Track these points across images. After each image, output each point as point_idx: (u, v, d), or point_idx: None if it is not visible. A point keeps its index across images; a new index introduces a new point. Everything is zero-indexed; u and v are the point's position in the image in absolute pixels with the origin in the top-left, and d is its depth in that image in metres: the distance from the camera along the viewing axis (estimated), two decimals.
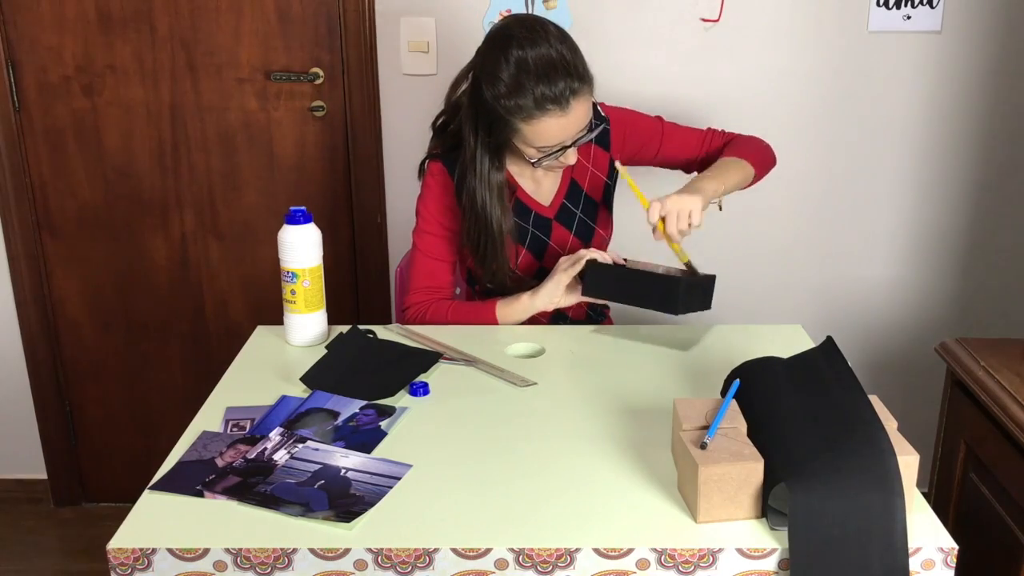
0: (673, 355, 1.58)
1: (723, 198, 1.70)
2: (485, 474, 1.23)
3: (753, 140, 1.87)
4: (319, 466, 1.24)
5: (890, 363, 2.56)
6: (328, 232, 2.42)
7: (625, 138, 1.85)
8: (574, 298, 1.69)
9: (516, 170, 1.80)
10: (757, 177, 1.81)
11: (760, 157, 1.82)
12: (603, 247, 1.87)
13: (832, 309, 2.53)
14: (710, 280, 1.64)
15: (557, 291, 1.68)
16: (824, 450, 1.11)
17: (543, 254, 1.82)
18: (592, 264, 1.63)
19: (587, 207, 1.84)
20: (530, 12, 2.27)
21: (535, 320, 1.89)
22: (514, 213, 1.78)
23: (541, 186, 1.83)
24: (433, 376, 1.50)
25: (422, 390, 1.44)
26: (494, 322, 1.73)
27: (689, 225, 1.60)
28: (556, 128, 1.61)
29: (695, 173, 1.85)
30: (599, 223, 1.86)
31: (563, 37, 1.61)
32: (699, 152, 1.88)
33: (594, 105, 1.82)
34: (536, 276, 1.83)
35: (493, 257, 1.74)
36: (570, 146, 1.66)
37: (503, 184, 1.72)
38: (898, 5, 2.26)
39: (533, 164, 1.69)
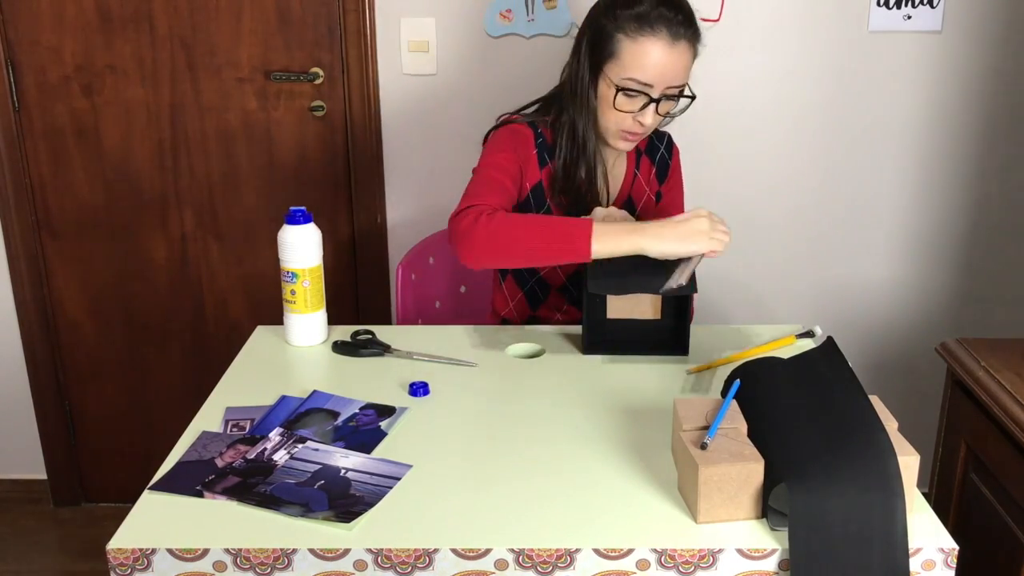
0: (673, 355, 1.58)
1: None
2: (485, 474, 1.23)
3: None
4: (319, 466, 1.24)
5: (890, 363, 2.56)
6: (328, 232, 2.42)
7: (670, 184, 1.87)
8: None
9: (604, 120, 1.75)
10: None
11: None
12: None
13: (832, 309, 2.53)
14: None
15: (692, 244, 1.48)
16: (824, 450, 1.11)
17: None
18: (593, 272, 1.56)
19: None
20: (530, 13, 2.27)
21: (535, 320, 1.89)
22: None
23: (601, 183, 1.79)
24: (433, 376, 1.50)
25: (422, 390, 1.44)
26: (586, 247, 1.48)
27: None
28: (655, 57, 1.58)
29: None
30: None
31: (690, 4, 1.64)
32: None
33: (669, 138, 1.86)
34: (571, 278, 1.82)
35: (581, 187, 1.70)
36: (655, 101, 1.62)
37: (595, 109, 1.67)
38: (898, 5, 2.26)
39: (614, 104, 1.62)
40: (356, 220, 2.47)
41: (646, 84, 1.60)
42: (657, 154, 1.85)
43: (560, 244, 1.50)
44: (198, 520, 1.14)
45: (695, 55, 1.64)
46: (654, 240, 1.48)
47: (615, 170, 1.81)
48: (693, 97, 1.68)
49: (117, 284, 2.53)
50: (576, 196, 1.72)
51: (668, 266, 1.52)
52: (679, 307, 1.60)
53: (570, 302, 1.87)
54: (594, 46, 1.64)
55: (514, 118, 1.77)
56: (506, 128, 1.75)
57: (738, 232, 2.43)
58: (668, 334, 1.61)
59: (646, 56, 1.58)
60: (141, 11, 2.30)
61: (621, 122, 1.65)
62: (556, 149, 1.72)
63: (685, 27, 1.59)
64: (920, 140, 2.38)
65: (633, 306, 1.61)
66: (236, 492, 1.18)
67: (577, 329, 1.68)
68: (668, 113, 1.69)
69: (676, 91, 1.64)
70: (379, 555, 1.08)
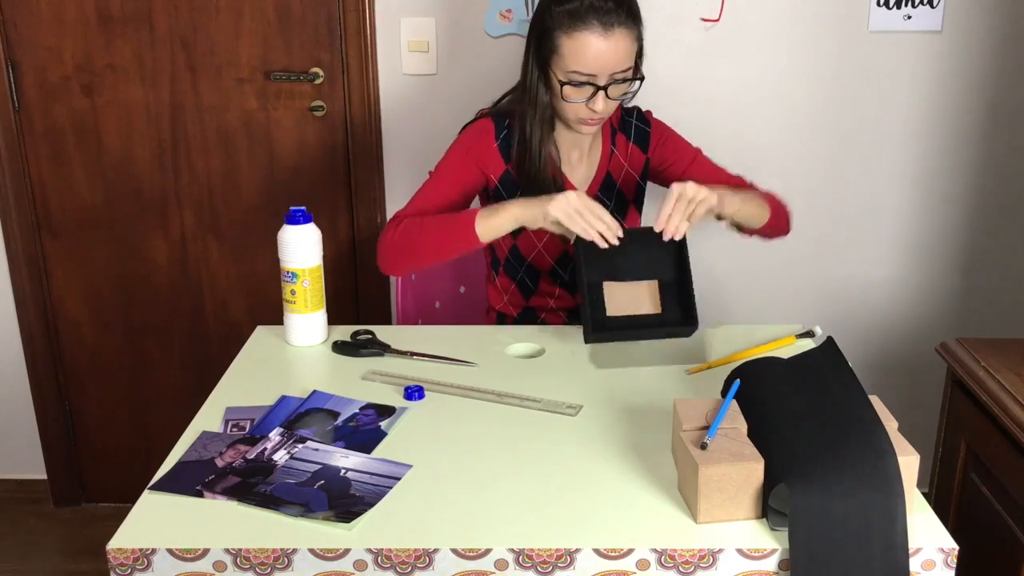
0: (673, 355, 1.58)
1: (730, 221, 1.70)
2: (485, 474, 1.23)
3: (778, 200, 1.84)
4: (319, 466, 1.24)
5: (890, 363, 2.56)
6: (328, 232, 2.42)
7: (660, 143, 1.86)
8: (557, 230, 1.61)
9: (555, 148, 1.79)
10: (767, 229, 1.79)
11: (778, 215, 1.81)
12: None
13: (832, 309, 2.53)
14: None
15: (548, 214, 1.57)
16: (824, 450, 1.11)
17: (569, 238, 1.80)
18: (583, 247, 1.57)
19: (619, 203, 1.85)
20: (530, 13, 2.27)
21: (536, 320, 1.90)
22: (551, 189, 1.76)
23: (576, 172, 1.82)
24: (433, 376, 1.50)
25: (417, 394, 1.43)
26: (472, 231, 1.63)
27: (691, 217, 1.57)
28: (593, 49, 1.61)
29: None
30: (627, 221, 1.88)
31: None
32: (723, 183, 1.84)
33: (638, 110, 1.85)
34: (559, 261, 1.85)
35: (536, 180, 1.73)
36: (603, 88, 1.64)
37: (548, 104, 1.72)
38: (898, 5, 2.26)
39: (563, 96, 1.67)
40: (356, 220, 2.47)
41: (590, 75, 1.64)
42: (631, 127, 1.85)
43: (453, 235, 1.65)
44: (198, 520, 1.14)
45: (637, 37, 1.66)
46: (524, 209, 1.61)
47: (593, 150, 1.83)
48: (642, 79, 1.71)
49: (117, 284, 2.53)
50: (536, 187, 1.74)
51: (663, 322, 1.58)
52: (680, 286, 1.61)
53: (561, 286, 1.88)
54: (539, 43, 1.69)
55: (485, 110, 1.82)
56: (471, 128, 1.81)
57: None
58: (674, 314, 1.60)
59: (583, 49, 1.62)
60: (141, 11, 2.30)
61: (576, 111, 1.69)
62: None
63: (617, 14, 1.61)
64: (920, 140, 2.38)
65: (632, 301, 1.61)
66: (236, 492, 1.18)
67: (578, 329, 1.68)
68: (624, 94, 1.71)
69: (624, 75, 1.66)
70: (379, 555, 1.08)
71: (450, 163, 1.78)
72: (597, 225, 1.55)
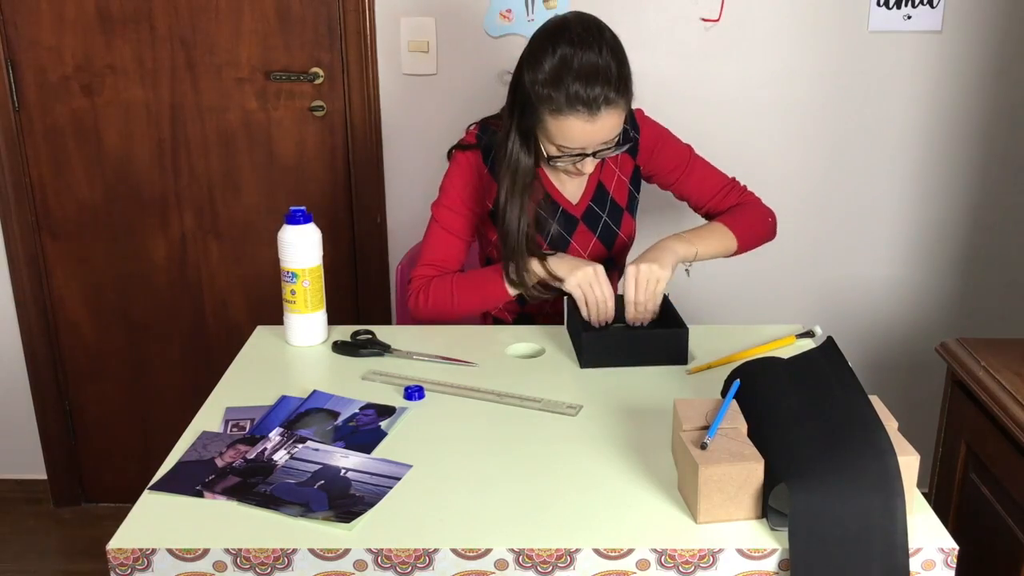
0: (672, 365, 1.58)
1: (692, 264, 1.72)
2: (485, 474, 1.23)
3: (756, 214, 1.85)
4: (319, 466, 1.24)
5: (890, 363, 2.56)
6: (328, 232, 2.41)
7: (652, 154, 1.85)
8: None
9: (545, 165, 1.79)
10: (739, 252, 1.82)
11: (752, 236, 1.83)
12: (625, 252, 1.89)
13: (832, 309, 2.53)
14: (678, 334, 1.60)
15: (572, 278, 1.63)
16: (824, 450, 1.11)
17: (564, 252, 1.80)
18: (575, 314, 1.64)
19: (612, 211, 1.84)
20: (530, 13, 2.27)
21: (535, 320, 1.90)
22: (541, 208, 1.77)
23: (566, 185, 1.82)
24: (433, 376, 1.50)
25: (417, 394, 1.43)
26: (502, 291, 1.70)
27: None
28: (579, 131, 1.60)
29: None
30: (623, 228, 1.86)
31: (615, 48, 1.61)
32: (711, 200, 1.86)
33: (631, 112, 1.80)
34: None
35: (511, 246, 1.72)
36: (590, 155, 1.65)
37: (529, 169, 1.70)
38: (898, 5, 2.26)
39: (549, 162, 1.69)
40: (356, 220, 2.47)
41: (574, 148, 1.64)
42: (622, 131, 1.82)
43: (486, 298, 1.74)
44: (198, 520, 1.14)
45: (626, 105, 1.63)
46: (550, 267, 1.67)
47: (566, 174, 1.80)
48: (631, 141, 1.74)
49: (117, 284, 2.53)
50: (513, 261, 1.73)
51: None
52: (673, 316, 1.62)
53: (556, 290, 1.87)
54: (523, 108, 1.65)
55: (469, 139, 1.80)
56: (458, 160, 1.80)
57: None
58: (666, 344, 1.59)
59: (570, 131, 1.60)
60: (141, 11, 2.30)
61: (564, 166, 1.70)
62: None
63: (605, 93, 1.57)
64: (920, 140, 2.38)
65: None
66: (236, 492, 1.18)
67: None
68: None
69: (613, 141, 1.66)
70: (379, 555, 1.08)
71: (450, 203, 1.79)
72: (601, 305, 1.62)
